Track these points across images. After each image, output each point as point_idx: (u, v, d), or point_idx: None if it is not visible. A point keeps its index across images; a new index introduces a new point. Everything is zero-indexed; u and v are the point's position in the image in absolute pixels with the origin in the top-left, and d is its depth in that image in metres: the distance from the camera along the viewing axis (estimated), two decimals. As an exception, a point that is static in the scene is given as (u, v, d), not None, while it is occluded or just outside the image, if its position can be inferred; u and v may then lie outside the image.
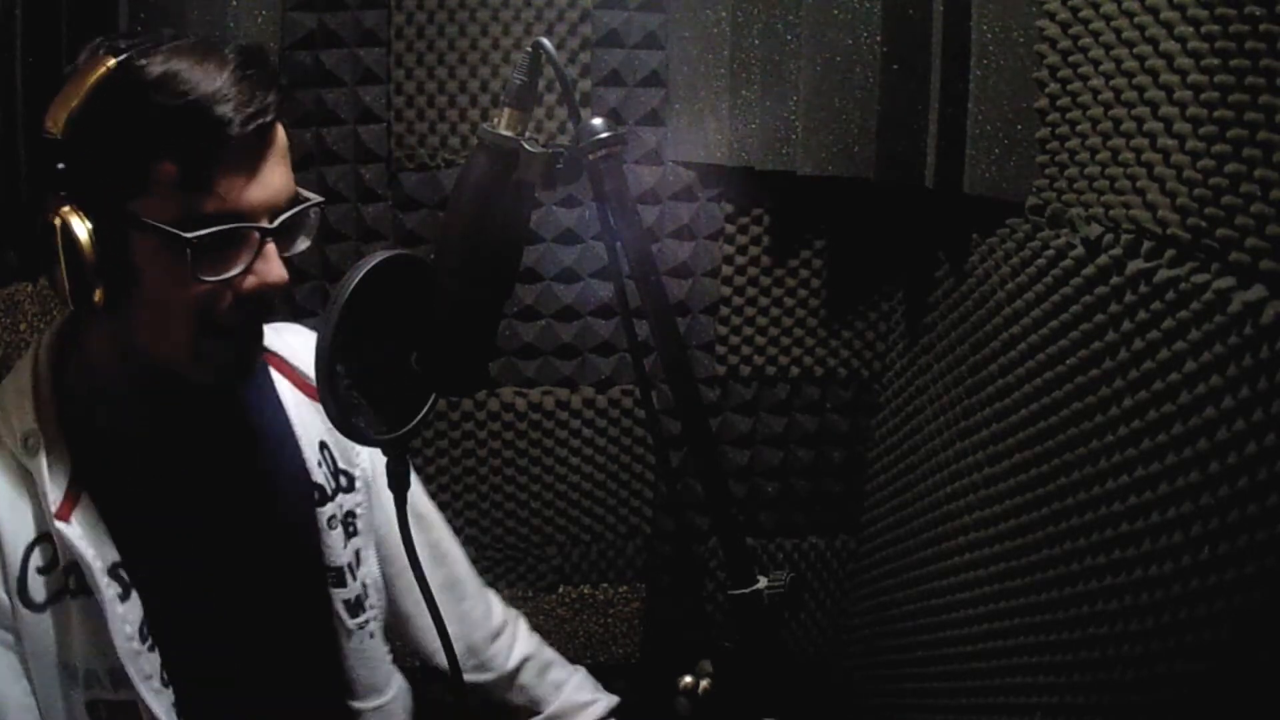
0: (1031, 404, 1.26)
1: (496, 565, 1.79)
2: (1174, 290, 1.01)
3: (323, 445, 1.11)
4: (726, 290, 1.69)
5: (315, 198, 0.95)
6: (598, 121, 0.85)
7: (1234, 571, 0.91)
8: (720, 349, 1.71)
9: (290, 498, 1.07)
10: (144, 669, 0.92)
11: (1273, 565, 0.87)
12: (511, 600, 1.80)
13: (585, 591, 1.82)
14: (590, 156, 0.85)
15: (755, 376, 1.73)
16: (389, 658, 1.17)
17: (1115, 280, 1.10)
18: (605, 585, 1.82)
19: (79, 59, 0.87)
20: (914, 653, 1.59)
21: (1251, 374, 0.90)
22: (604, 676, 1.81)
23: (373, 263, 0.85)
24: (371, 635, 1.12)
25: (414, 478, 1.21)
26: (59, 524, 0.89)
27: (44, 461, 0.90)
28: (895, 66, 1.48)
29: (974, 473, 1.41)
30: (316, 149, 1.59)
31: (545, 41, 0.85)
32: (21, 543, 0.90)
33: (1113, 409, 1.10)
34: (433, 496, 1.72)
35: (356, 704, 1.12)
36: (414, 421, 0.91)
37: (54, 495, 0.90)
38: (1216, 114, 0.96)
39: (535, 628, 1.82)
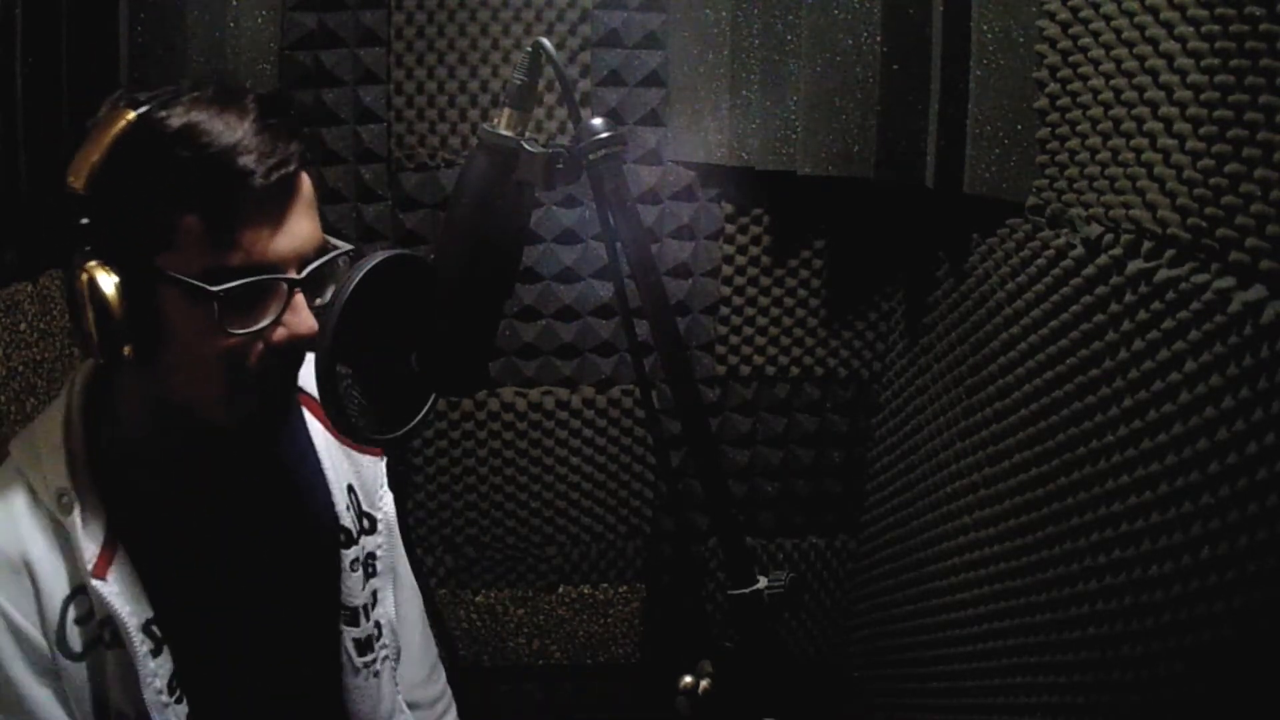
0: (1031, 404, 1.26)
1: (496, 565, 1.79)
2: (1174, 290, 1.01)
3: (350, 489, 1.11)
4: (726, 290, 1.69)
5: (343, 245, 0.94)
6: (598, 121, 0.85)
7: (1234, 571, 0.91)
8: (720, 349, 1.71)
9: (317, 542, 1.08)
10: None
11: (1273, 565, 0.87)
12: (511, 600, 1.81)
13: (585, 591, 1.82)
14: (590, 157, 0.85)
15: (755, 376, 1.73)
16: (397, 695, 1.17)
17: (1115, 280, 1.10)
18: (605, 585, 1.81)
19: (99, 112, 0.86)
20: (914, 653, 1.59)
21: (1251, 374, 0.90)
22: (604, 677, 1.82)
23: (373, 263, 0.85)
24: (376, 674, 1.12)
25: (399, 551, 1.20)
26: (95, 582, 0.89)
27: (78, 519, 0.90)
28: (895, 66, 1.48)
29: (974, 473, 1.41)
30: (317, 149, 1.59)
31: (545, 41, 0.85)
32: (59, 595, 0.90)
33: (1113, 409, 1.10)
34: (433, 497, 1.74)
35: None
36: (414, 421, 0.91)
37: (89, 553, 0.89)
38: (1216, 114, 0.96)
39: (535, 628, 1.83)
